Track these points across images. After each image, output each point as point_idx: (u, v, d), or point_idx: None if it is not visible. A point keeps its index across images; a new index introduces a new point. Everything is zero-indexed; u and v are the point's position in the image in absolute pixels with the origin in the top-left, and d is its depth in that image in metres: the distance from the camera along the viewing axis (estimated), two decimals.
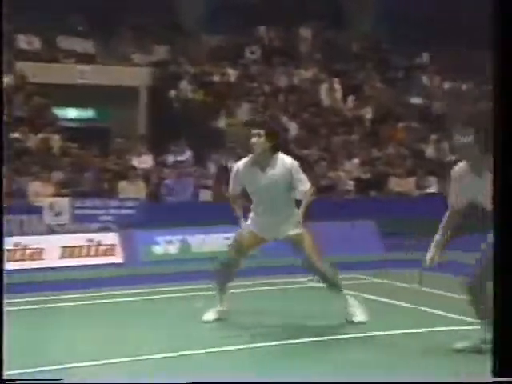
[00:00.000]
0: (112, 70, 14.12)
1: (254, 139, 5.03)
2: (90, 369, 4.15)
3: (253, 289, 6.62)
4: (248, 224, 5.23)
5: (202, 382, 3.78)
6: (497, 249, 2.97)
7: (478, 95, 14.91)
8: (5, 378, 3.05)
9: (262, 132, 5.02)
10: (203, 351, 4.49)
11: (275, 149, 5.08)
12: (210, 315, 5.36)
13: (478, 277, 4.27)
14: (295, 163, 5.08)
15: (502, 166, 2.98)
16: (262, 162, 5.06)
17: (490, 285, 4.33)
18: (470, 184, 4.11)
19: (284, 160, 5.08)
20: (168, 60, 14.70)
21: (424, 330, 5.03)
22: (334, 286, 5.22)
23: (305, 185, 5.06)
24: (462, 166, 4.17)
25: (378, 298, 6.23)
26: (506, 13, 2.95)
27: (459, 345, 4.40)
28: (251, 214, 5.25)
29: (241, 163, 5.18)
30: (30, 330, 5.07)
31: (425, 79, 15.66)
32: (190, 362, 4.34)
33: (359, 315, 5.20)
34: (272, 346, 4.64)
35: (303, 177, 5.09)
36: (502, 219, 2.95)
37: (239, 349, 4.58)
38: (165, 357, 4.38)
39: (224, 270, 5.30)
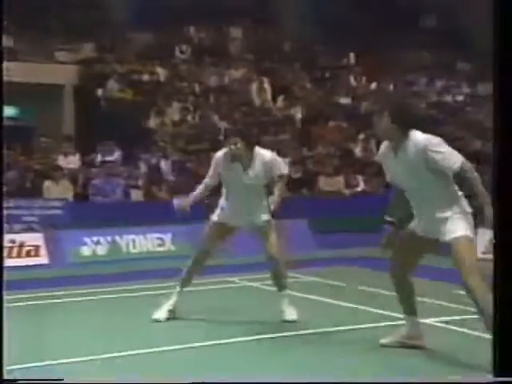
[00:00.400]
0: (36, 67, 13.66)
1: (232, 147, 5.09)
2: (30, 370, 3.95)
3: (203, 287, 6.50)
4: (216, 215, 5.24)
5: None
6: (496, 248, 2.96)
7: (405, 95, 15.36)
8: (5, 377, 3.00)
9: (238, 140, 5.08)
10: (152, 350, 4.38)
11: (253, 149, 5.17)
12: (161, 314, 5.24)
13: (397, 269, 4.32)
14: (273, 157, 5.19)
15: (501, 165, 3.02)
16: (243, 161, 5.13)
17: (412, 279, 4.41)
18: (388, 163, 4.18)
19: (263, 155, 5.14)
20: (95, 58, 14.36)
21: (359, 326, 5.07)
22: (281, 285, 5.26)
23: (284, 168, 5.22)
24: (385, 144, 4.23)
25: (314, 297, 6.24)
26: (505, 14, 3.01)
27: (384, 340, 4.46)
28: (222, 203, 5.25)
29: (220, 154, 5.19)
30: None
31: (352, 80, 15.98)
32: (136, 361, 4.22)
33: (292, 314, 5.21)
34: (222, 343, 4.59)
35: (282, 164, 5.25)
36: (501, 219, 2.95)
37: (183, 348, 4.50)
38: (112, 357, 4.25)
39: (196, 264, 5.26)
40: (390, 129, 4.03)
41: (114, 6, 16.25)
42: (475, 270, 3.85)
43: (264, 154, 5.16)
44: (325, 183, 12.29)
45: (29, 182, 9.80)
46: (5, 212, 8.47)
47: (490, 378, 2.90)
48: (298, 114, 14.15)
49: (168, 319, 5.20)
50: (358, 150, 13.59)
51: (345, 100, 15.18)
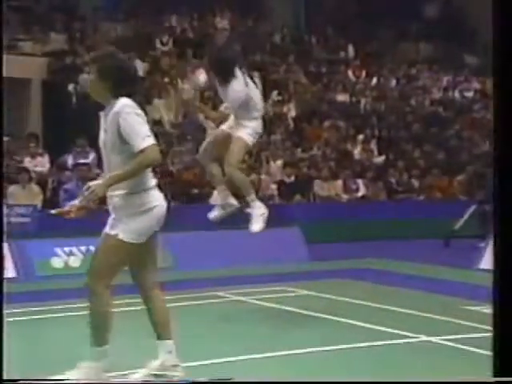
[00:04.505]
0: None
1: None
2: None
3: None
4: None
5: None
6: (495, 247, 3.05)
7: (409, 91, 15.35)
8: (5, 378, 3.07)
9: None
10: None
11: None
12: None
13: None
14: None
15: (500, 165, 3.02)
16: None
17: None
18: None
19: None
20: (66, 50, 14.18)
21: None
22: None
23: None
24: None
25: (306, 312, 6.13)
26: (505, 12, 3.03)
27: None
28: None
29: None
30: None
31: (350, 74, 15.94)
32: None
33: None
34: None
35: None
36: (500, 221, 3.03)
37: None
38: None
39: None
40: (98, 87, 3.91)
41: None
42: (101, 274, 3.90)
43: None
44: (320, 187, 12.23)
45: None
46: None
47: (490, 378, 2.96)
48: (291, 111, 14.10)
49: None
50: (356, 152, 13.54)
51: (342, 97, 15.14)
